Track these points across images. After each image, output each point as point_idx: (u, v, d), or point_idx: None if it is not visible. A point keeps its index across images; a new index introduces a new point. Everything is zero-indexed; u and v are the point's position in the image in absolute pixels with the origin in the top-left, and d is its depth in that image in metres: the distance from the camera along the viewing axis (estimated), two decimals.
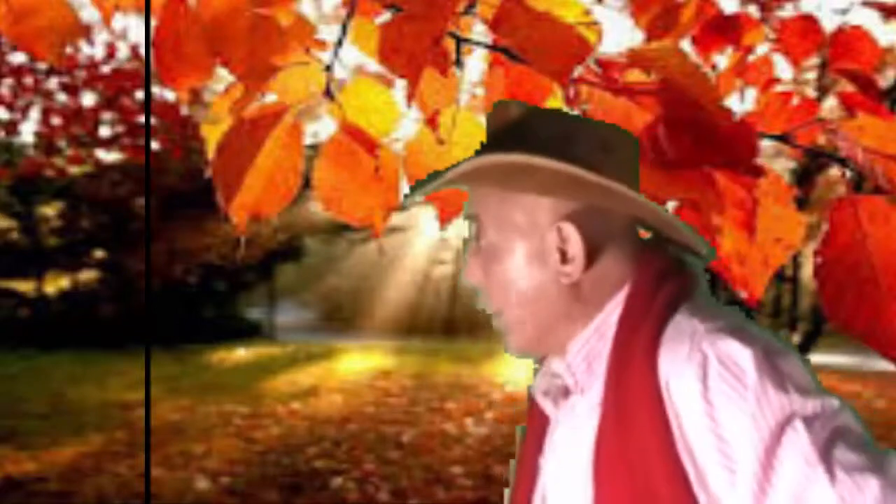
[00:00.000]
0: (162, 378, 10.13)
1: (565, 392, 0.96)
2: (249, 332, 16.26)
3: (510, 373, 11.27)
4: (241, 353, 13.61)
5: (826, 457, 0.76)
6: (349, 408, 8.76)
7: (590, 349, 0.91)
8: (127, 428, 7.71)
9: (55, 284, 15.85)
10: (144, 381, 10.50)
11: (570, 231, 0.90)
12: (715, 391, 0.79)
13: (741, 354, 0.79)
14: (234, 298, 16.96)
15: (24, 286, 15.58)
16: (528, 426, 1.05)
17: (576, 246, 0.90)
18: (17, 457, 6.58)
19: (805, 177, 7.95)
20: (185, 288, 15.42)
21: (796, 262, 9.06)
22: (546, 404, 0.98)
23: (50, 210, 15.80)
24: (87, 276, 16.09)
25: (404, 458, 6.59)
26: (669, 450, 0.80)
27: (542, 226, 0.92)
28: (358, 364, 12.32)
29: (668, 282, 0.89)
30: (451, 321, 17.67)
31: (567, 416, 0.94)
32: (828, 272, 1.01)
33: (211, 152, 1.28)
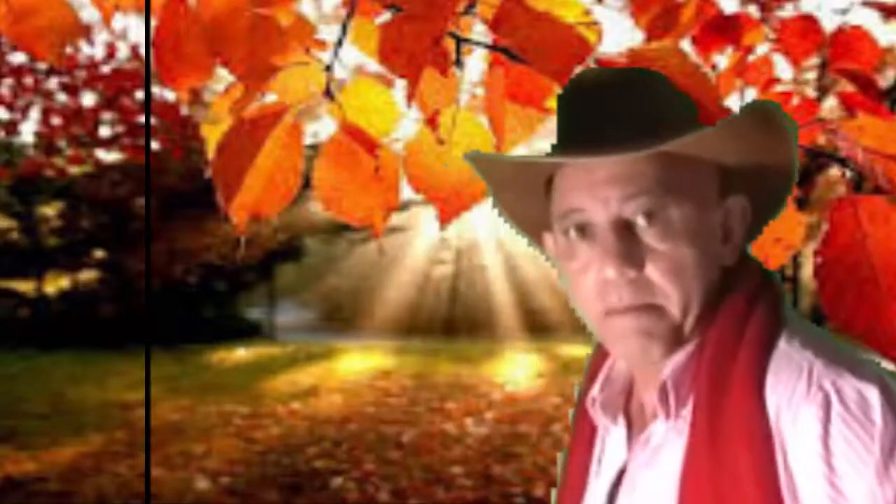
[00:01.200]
0: (162, 378, 10.12)
1: (634, 409, 0.91)
2: (249, 332, 16.26)
3: (510, 373, 11.27)
4: (241, 353, 13.61)
5: None
6: (349, 408, 8.76)
7: (688, 368, 0.84)
8: (127, 428, 7.71)
9: (55, 284, 15.85)
10: (144, 381, 10.50)
11: (745, 205, 0.86)
12: (837, 437, 0.72)
13: (866, 397, 0.73)
14: (234, 298, 16.96)
15: (24, 286, 15.58)
16: (576, 439, 0.98)
17: (742, 224, 0.86)
18: (17, 457, 6.58)
19: (805, 177, 7.95)
20: (185, 288, 15.42)
21: (796, 262, 9.06)
22: (603, 419, 0.92)
23: (50, 210, 15.80)
24: (87, 276, 16.09)
25: (404, 458, 6.59)
26: (770, 487, 0.74)
27: (714, 198, 0.85)
28: (358, 364, 12.32)
29: (761, 299, 0.83)
30: (451, 321, 17.67)
31: (642, 440, 0.87)
32: (828, 272, 1.01)
33: (211, 152, 1.28)
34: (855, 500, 0.71)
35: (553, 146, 0.89)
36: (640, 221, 0.82)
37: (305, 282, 19.53)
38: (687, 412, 0.82)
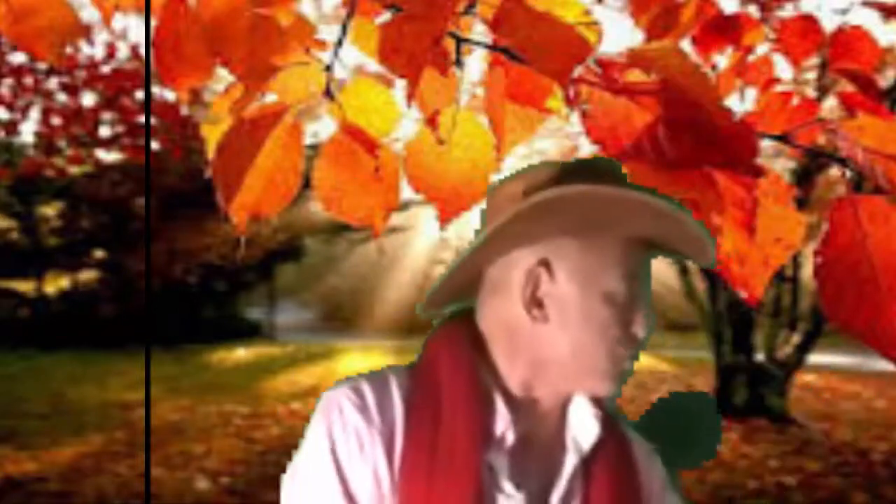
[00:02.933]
0: (162, 378, 10.13)
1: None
2: (249, 332, 16.27)
3: None
4: (241, 353, 13.62)
5: None
6: None
7: None
8: (127, 428, 7.71)
9: (55, 284, 15.86)
10: (144, 381, 10.50)
11: None
12: None
13: None
14: (234, 298, 16.97)
15: (24, 286, 15.59)
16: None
17: None
18: (17, 457, 6.58)
19: (805, 177, 7.95)
20: (185, 288, 15.43)
21: (796, 262, 9.05)
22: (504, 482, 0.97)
23: (50, 210, 15.81)
24: (87, 276, 16.10)
25: None
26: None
27: None
28: (358, 364, 12.32)
29: None
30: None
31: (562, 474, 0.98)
32: (828, 272, 1.01)
33: (211, 152, 1.28)
34: None
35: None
36: None
37: (305, 282, 19.54)
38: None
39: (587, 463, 0.98)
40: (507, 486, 0.93)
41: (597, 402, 1.00)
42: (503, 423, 0.94)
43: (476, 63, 1.44)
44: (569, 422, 0.99)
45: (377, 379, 0.95)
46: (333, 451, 0.90)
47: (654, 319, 1.03)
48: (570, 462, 0.97)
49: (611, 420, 1.01)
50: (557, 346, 0.95)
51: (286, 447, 6.93)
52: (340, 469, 0.90)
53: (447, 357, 0.97)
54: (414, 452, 0.91)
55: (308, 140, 1.37)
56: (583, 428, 0.98)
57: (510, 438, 0.94)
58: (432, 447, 0.91)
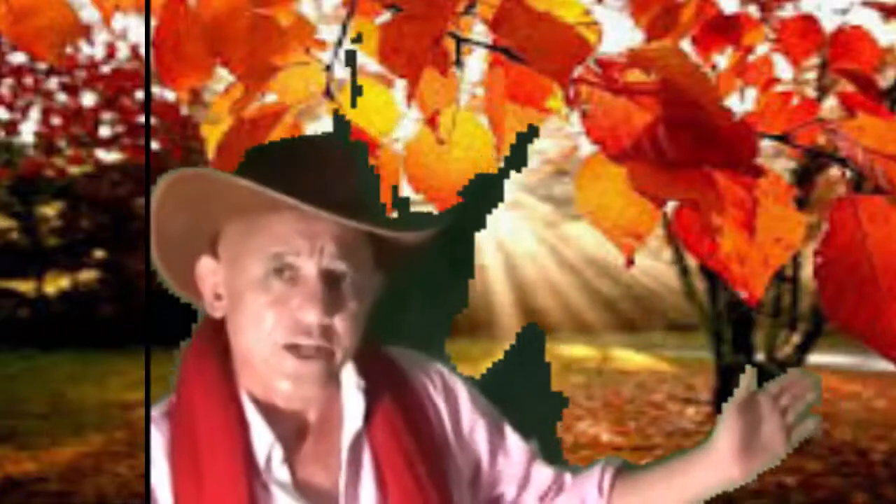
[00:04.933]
0: (162, 378, 10.09)
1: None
2: None
3: None
4: None
5: None
6: None
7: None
8: (127, 428, 7.71)
9: (55, 284, 15.85)
10: (144, 381, 10.49)
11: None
12: None
13: None
14: None
15: (24, 286, 15.58)
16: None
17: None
18: (17, 457, 6.58)
19: (805, 177, 7.94)
20: None
21: (796, 262, 9.05)
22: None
23: (50, 210, 15.80)
24: (87, 276, 16.09)
25: None
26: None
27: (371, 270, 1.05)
28: None
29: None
30: (451, 321, 17.62)
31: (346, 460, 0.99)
32: (828, 272, 1.01)
33: (211, 152, 1.28)
34: None
35: (263, 182, 0.93)
36: (341, 278, 0.95)
37: None
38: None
39: (366, 434, 0.99)
40: (288, 501, 0.93)
41: (361, 366, 1.01)
42: (266, 443, 0.94)
43: (476, 63, 1.45)
44: (343, 400, 1.00)
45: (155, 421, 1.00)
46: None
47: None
48: (346, 444, 0.97)
49: (383, 371, 1.03)
50: (239, 340, 0.97)
51: None
52: None
53: (194, 383, 0.99)
54: (183, 495, 0.92)
55: None
56: (351, 403, 0.99)
57: (278, 455, 0.94)
58: (199, 488, 0.91)
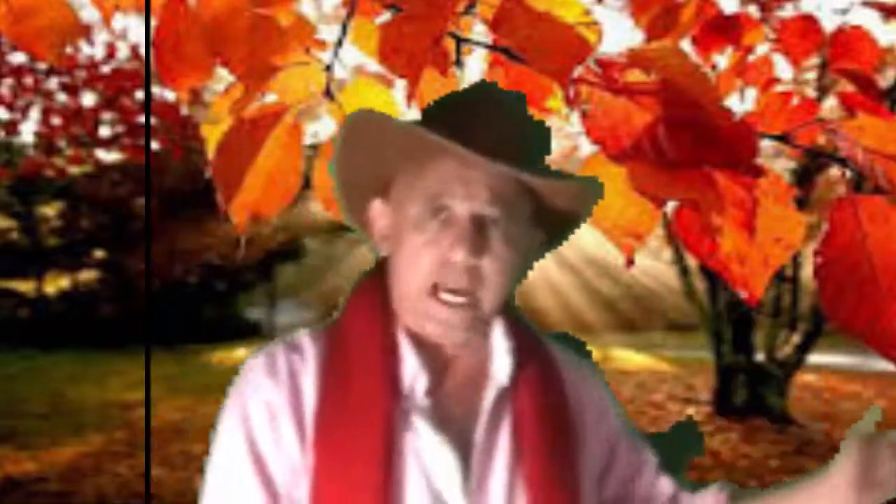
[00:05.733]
0: (162, 378, 10.12)
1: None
2: (249, 332, 16.26)
3: None
4: (241, 353, 13.60)
5: None
6: None
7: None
8: (127, 428, 7.71)
9: (55, 284, 15.86)
10: (144, 381, 10.49)
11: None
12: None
13: None
14: (234, 298, 16.96)
15: (24, 286, 15.58)
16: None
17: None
18: (17, 457, 6.58)
19: (805, 177, 7.94)
20: (185, 288, 15.43)
21: (796, 262, 9.05)
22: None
23: (50, 210, 15.81)
24: (87, 276, 16.10)
25: None
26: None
27: (531, 226, 1.04)
28: None
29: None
30: None
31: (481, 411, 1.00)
32: (828, 272, 1.01)
33: (211, 152, 1.28)
34: None
35: (435, 128, 0.96)
36: (492, 224, 0.96)
37: (305, 282, 19.52)
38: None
39: (510, 394, 1.01)
40: (426, 429, 0.96)
41: (514, 332, 1.03)
42: (412, 371, 0.97)
43: (476, 63, 1.45)
44: (492, 356, 1.02)
45: (292, 343, 1.02)
46: (246, 423, 0.97)
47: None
48: (490, 397, 1.00)
49: (532, 346, 1.05)
50: (398, 279, 1.00)
51: None
52: (254, 444, 0.96)
53: (357, 312, 1.02)
54: (328, 407, 0.96)
55: (308, 140, 1.38)
56: (499, 362, 1.01)
57: (422, 384, 0.97)
58: (344, 401, 0.95)
